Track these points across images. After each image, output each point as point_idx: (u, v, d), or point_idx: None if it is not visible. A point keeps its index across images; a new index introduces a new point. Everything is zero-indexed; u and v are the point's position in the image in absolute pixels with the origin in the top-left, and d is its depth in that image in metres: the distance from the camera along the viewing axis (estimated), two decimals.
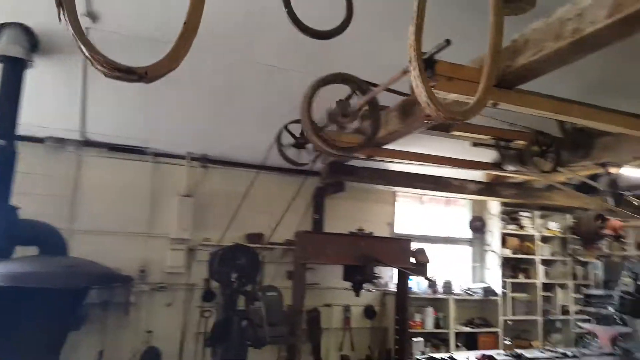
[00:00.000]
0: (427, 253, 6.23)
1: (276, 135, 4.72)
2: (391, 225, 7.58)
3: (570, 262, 8.54)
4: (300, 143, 4.63)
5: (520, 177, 6.26)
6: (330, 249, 5.39)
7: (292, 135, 4.65)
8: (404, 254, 5.93)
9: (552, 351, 5.62)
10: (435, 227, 8.14)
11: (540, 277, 8.18)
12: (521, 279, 8.13)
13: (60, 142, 5.63)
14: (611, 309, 5.75)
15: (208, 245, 6.02)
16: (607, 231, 7.79)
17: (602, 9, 2.07)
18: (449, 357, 4.98)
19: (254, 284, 4.22)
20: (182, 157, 6.28)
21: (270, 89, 4.91)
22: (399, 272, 6.06)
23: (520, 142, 5.17)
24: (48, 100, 4.94)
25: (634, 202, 5.73)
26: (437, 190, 6.72)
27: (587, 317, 6.66)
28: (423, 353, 6.48)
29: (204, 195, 6.35)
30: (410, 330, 6.57)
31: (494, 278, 7.94)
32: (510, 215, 8.33)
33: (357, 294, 5.58)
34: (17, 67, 3.96)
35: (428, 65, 2.47)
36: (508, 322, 7.78)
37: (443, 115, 2.05)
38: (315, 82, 3.38)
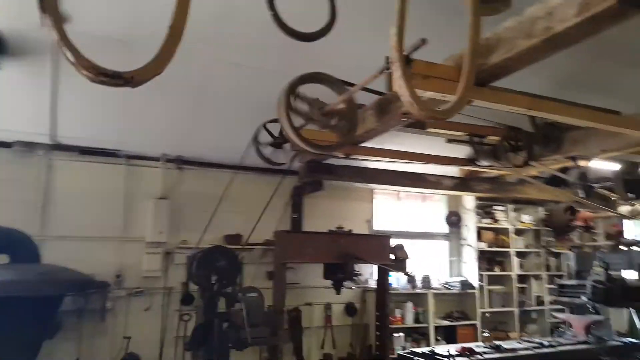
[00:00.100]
0: (406, 249, 6.29)
1: (253, 135, 4.70)
2: (370, 222, 7.64)
3: (544, 254, 8.77)
4: (277, 142, 4.62)
5: (493, 172, 6.39)
6: (310, 248, 5.38)
7: (270, 134, 4.63)
8: (384, 250, 5.98)
9: (529, 341, 5.75)
10: (413, 223, 8.24)
11: (515, 269, 8.37)
12: (497, 271, 8.32)
13: (30, 146, 5.47)
14: (584, 298, 5.92)
15: (185, 248, 5.95)
16: (577, 223, 8.03)
17: (571, 7, 2.13)
18: (430, 351, 5.03)
19: (234, 285, 4.19)
20: (156, 159, 6.18)
21: (245, 88, 4.88)
22: (379, 268, 6.10)
23: (494, 137, 5.28)
24: (16, 103, 4.80)
25: (603, 194, 5.91)
26: (413, 187, 6.80)
27: (561, 307, 6.84)
28: (404, 348, 6.55)
29: (180, 198, 6.27)
30: (390, 325, 6.63)
31: (471, 271, 8.09)
32: (484, 210, 8.50)
33: (338, 292, 5.60)
34: None
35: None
36: (486, 314, 7.94)
37: (426, 115, 2.08)
38: (292, 81, 3.37)
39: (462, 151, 5.95)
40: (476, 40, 2.16)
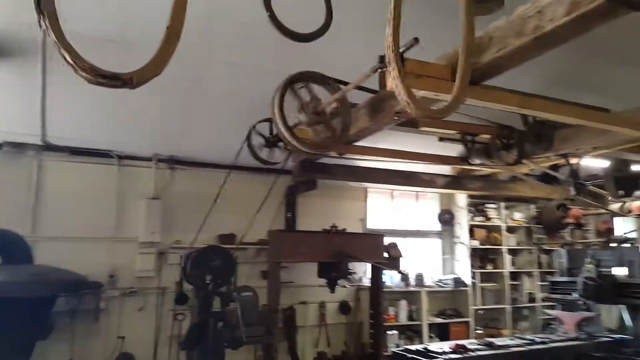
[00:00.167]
0: (400, 247, 6.32)
1: (246, 134, 4.69)
2: (363, 221, 7.66)
3: (536, 251, 8.86)
4: (271, 142, 4.61)
5: (485, 170, 6.43)
6: (304, 247, 5.39)
7: (262, 135, 4.63)
8: (377, 249, 6.00)
9: (521, 338, 5.81)
10: (406, 222, 8.28)
11: (507, 266, 8.44)
12: (489, 269, 8.38)
13: (20, 147, 5.44)
14: (575, 295, 5.98)
15: (179, 248, 5.94)
16: (569, 220, 8.10)
17: (560, 6, 2.16)
18: (424, 348, 5.06)
19: (228, 285, 4.18)
20: (148, 159, 6.17)
21: (238, 88, 4.87)
22: (373, 267, 6.12)
23: (486, 136, 5.31)
24: (6, 104, 4.76)
25: (594, 192, 5.98)
26: (407, 185, 6.83)
27: (552, 304, 6.91)
28: (398, 345, 6.59)
29: (173, 198, 6.26)
30: (384, 323, 6.66)
31: (464, 269, 8.14)
32: (477, 207, 8.56)
33: (332, 291, 5.61)
34: None
35: None
36: (478, 311, 8.00)
37: (422, 114, 2.10)
38: (285, 80, 3.38)
39: (454, 150, 5.99)
40: (470, 40, 2.18)
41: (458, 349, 5.01)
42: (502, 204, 8.64)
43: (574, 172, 5.56)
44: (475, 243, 8.24)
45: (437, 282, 8.05)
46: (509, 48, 2.46)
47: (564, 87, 4.51)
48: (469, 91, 2.85)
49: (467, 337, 7.34)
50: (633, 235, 7.37)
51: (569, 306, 6.34)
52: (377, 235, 6.29)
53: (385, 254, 6.12)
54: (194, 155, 6.36)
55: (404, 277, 7.49)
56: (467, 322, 7.83)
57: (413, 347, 5.26)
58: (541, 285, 8.56)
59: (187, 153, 6.31)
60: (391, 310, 7.32)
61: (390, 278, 7.43)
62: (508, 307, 8.24)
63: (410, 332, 7.46)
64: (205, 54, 4.32)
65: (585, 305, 6.06)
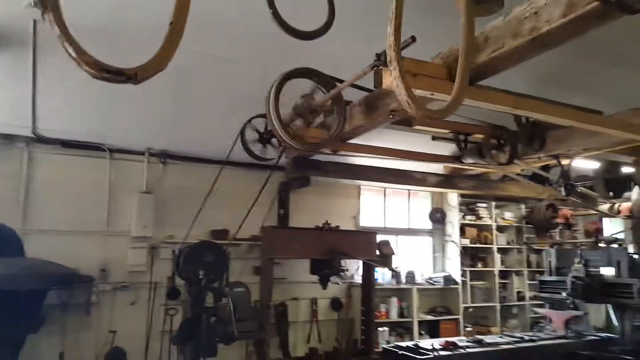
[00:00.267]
0: (392, 245, 6.36)
1: (240, 130, 4.68)
2: (356, 218, 7.69)
3: (525, 250, 8.95)
4: (265, 138, 4.61)
5: (477, 170, 6.48)
6: (297, 243, 5.41)
7: (257, 130, 4.63)
8: (370, 246, 6.04)
9: (510, 336, 5.88)
10: (398, 220, 8.32)
11: (497, 265, 8.52)
12: (479, 267, 8.46)
13: (10, 138, 5.39)
14: (564, 294, 6.05)
15: (171, 243, 5.93)
16: (558, 220, 8.20)
17: (557, 8, 2.18)
18: (415, 345, 5.10)
19: (221, 280, 4.19)
20: (141, 153, 6.14)
21: (232, 83, 4.85)
22: (365, 264, 6.16)
23: (479, 135, 5.35)
24: None
25: (584, 192, 6.05)
26: (399, 183, 6.86)
27: (541, 302, 6.99)
28: (388, 342, 6.63)
29: (165, 192, 6.24)
30: (375, 320, 6.70)
31: (454, 267, 8.20)
32: (468, 206, 8.62)
33: (324, 287, 5.64)
34: None
35: None
36: (468, 309, 8.07)
37: (422, 114, 2.11)
38: (281, 76, 3.38)
39: (447, 149, 6.03)
40: (470, 41, 2.20)
41: (448, 346, 5.06)
42: (493, 204, 8.71)
43: (565, 173, 5.63)
44: (466, 242, 8.30)
45: (428, 279, 8.11)
46: (505, 48, 2.48)
47: (556, 88, 4.55)
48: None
49: (457, 335, 7.41)
50: (621, 236, 7.47)
51: (557, 305, 6.41)
52: (370, 233, 6.33)
53: (378, 252, 6.15)
54: (186, 149, 6.34)
55: (396, 275, 7.54)
56: (456, 320, 7.90)
57: (404, 344, 5.30)
58: (530, 284, 8.66)
59: (180, 147, 6.28)
60: (382, 307, 7.36)
61: (381, 275, 7.48)
62: (497, 305, 8.32)
63: (401, 329, 7.52)
64: (199, 48, 4.30)
65: (573, 304, 6.14)
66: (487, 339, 5.59)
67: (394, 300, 7.49)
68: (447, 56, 2.87)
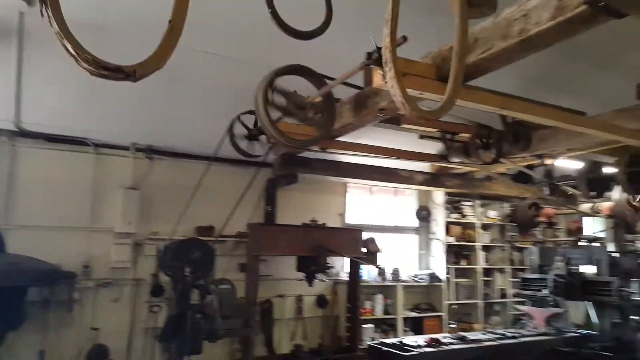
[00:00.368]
0: (377, 242, 6.39)
1: (228, 126, 4.65)
2: (343, 215, 7.71)
3: (508, 248, 9.08)
4: (253, 134, 4.59)
5: (463, 168, 6.55)
6: (283, 240, 5.40)
7: (245, 126, 4.60)
8: (356, 243, 6.06)
9: (492, 332, 5.97)
10: (384, 217, 8.36)
11: (480, 262, 8.64)
12: (463, 265, 8.56)
13: None
14: (545, 292, 6.16)
15: (156, 239, 5.88)
16: (541, 219, 8.32)
17: (546, 11, 2.21)
18: (399, 342, 5.15)
19: (207, 277, 4.17)
20: (126, 148, 6.05)
21: (221, 78, 4.81)
22: (351, 261, 6.18)
23: (465, 135, 5.40)
24: None
25: (567, 192, 6.15)
26: (386, 181, 6.89)
27: (523, 300, 7.10)
28: (373, 339, 6.67)
29: (151, 188, 6.16)
30: (361, 317, 6.74)
31: (439, 265, 8.29)
32: (453, 205, 8.71)
33: (310, 284, 5.65)
34: None
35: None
36: (452, 306, 8.17)
37: (416, 115, 2.12)
38: (270, 73, 3.36)
39: (433, 147, 6.08)
40: (464, 43, 2.21)
41: (432, 343, 5.12)
42: (478, 202, 8.81)
43: (549, 173, 5.72)
44: (451, 239, 8.40)
45: (413, 277, 8.18)
46: (494, 49, 2.50)
47: (541, 89, 4.62)
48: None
49: (441, 331, 7.49)
50: (602, 235, 7.63)
51: (538, 302, 6.52)
52: (356, 230, 6.35)
53: (364, 249, 6.18)
54: (173, 145, 6.27)
55: (381, 272, 7.59)
56: (440, 317, 7.99)
57: (388, 341, 5.34)
58: (512, 281, 8.80)
59: (166, 143, 6.21)
60: (367, 304, 7.41)
61: (367, 272, 7.51)
62: (480, 302, 8.45)
63: (386, 325, 7.57)
64: (188, 43, 4.25)
65: (554, 302, 6.26)
66: (471, 335, 5.66)
67: (379, 297, 7.55)
68: (436, 56, 2.88)
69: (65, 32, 1.17)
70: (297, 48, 3.74)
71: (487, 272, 8.78)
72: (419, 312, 7.94)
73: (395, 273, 7.84)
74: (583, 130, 3.93)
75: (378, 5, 2.32)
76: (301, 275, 5.71)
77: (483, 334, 5.96)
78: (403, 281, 7.88)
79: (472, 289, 8.53)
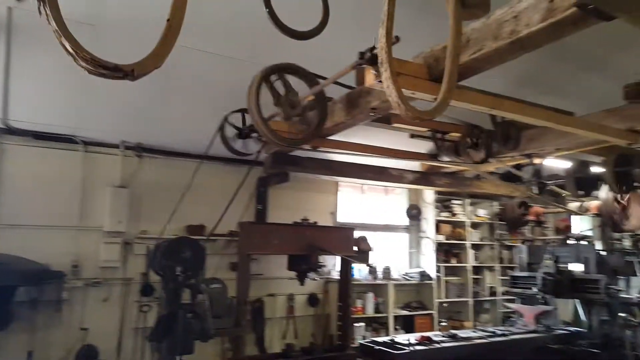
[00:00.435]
0: (369, 241, 6.41)
1: (219, 124, 4.63)
2: (334, 214, 7.72)
3: (497, 247, 9.16)
4: (244, 133, 4.58)
5: (453, 167, 6.59)
6: (275, 239, 5.39)
7: (234, 126, 4.59)
8: (347, 242, 6.06)
9: (483, 330, 6.02)
10: (376, 216, 8.39)
11: (470, 261, 8.70)
12: (453, 263, 8.62)
13: None
14: (534, 289, 6.23)
15: (145, 238, 5.83)
16: (529, 217, 8.40)
17: (536, 13, 2.23)
18: (391, 340, 5.17)
19: (198, 277, 4.15)
20: (115, 146, 6.00)
21: (212, 76, 4.79)
22: (342, 260, 6.18)
23: (455, 134, 5.44)
24: None
25: (555, 191, 6.22)
26: (377, 180, 6.90)
27: (512, 298, 7.18)
28: (364, 337, 6.70)
29: (140, 187, 6.11)
30: (352, 315, 6.75)
31: (429, 263, 8.33)
32: (443, 203, 8.76)
33: (302, 283, 5.64)
34: None
35: (375, 60, 2.53)
36: (442, 304, 8.22)
37: (412, 115, 2.13)
38: (262, 71, 3.35)
39: (424, 146, 6.11)
40: (458, 44, 2.23)
41: (423, 341, 5.14)
42: (467, 201, 8.87)
43: (537, 172, 5.78)
44: (441, 238, 8.44)
45: (404, 275, 8.21)
46: (485, 50, 2.53)
47: (531, 89, 4.67)
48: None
49: (431, 329, 7.55)
50: (590, 233, 7.73)
51: (528, 300, 6.60)
52: (348, 229, 6.35)
53: (355, 247, 6.19)
54: (163, 143, 6.22)
55: (372, 270, 7.61)
56: (431, 315, 8.04)
57: (380, 339, 5.36)
58: (502, 279, 8.88)
59: (157, 141, 6.16)
60: (358, 303, 7.43)
61: (358, 271, 7.53)
62: (470, 300, 8.51)
63: (377, 324, 7.60)
64: (180, 40, 4.22)
65: (543, 299, 6.33)
66: (461, 333, 5.70)
67: (370, 296, 7.57)
68: (428, 56, 2.90)
69: (63, 30, 1.15)
70: (290, 47, 3.74)
71: (477, 270, 8.84)
72: (409, 311, 7.98)
73: (386, 271, 7.87)
74: (571, 130, 3.98)
75: (372, 5, 2.33)
76: (292, 274, 5.70)
77: (474, 331, 6.01)
78: (394, 279, 7.91)
79: (462, 287, 8.59)
